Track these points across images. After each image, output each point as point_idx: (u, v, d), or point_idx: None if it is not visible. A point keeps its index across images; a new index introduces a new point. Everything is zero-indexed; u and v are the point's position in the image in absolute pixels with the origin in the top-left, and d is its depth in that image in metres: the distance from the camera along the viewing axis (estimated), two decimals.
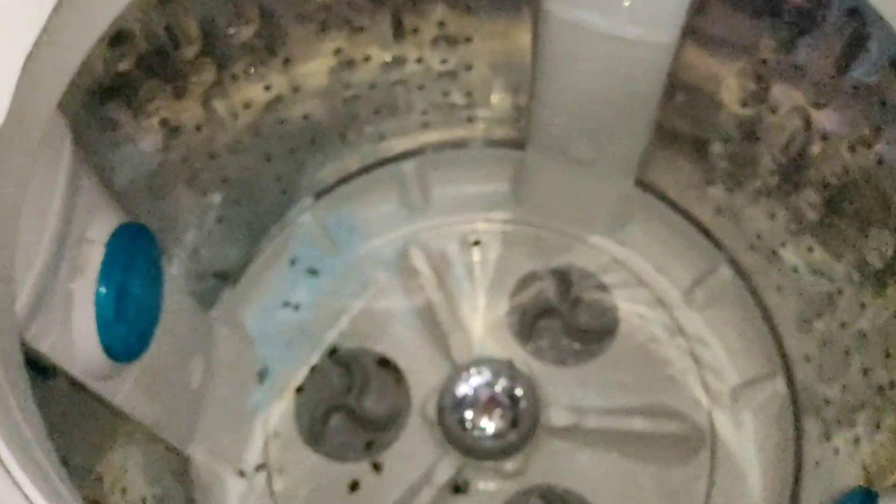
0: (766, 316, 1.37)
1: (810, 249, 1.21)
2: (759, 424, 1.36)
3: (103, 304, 0.93)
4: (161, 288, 1.07)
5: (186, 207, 1.24)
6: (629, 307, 1.47)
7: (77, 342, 0.91)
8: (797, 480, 1.25)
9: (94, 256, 0.93)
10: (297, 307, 1.48)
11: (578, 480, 1.32)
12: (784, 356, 1.34)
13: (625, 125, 1.31)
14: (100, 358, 0.95)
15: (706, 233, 1.44)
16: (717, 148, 1.31)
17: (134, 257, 0.98)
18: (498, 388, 1.31)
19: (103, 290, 0.93)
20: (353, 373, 1.40)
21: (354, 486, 1.32)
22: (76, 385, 0.92)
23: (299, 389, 1.40)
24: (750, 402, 1.37)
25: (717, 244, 1.44)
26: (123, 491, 1.10)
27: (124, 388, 1.03)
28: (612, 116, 1.29)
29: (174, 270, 1.23)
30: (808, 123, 1.13)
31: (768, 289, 1.36)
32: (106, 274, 0.94)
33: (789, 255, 1.24)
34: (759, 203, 1.27)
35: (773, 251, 1.29)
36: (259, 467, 1.34)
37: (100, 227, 0.95)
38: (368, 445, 1.34)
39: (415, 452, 1.32)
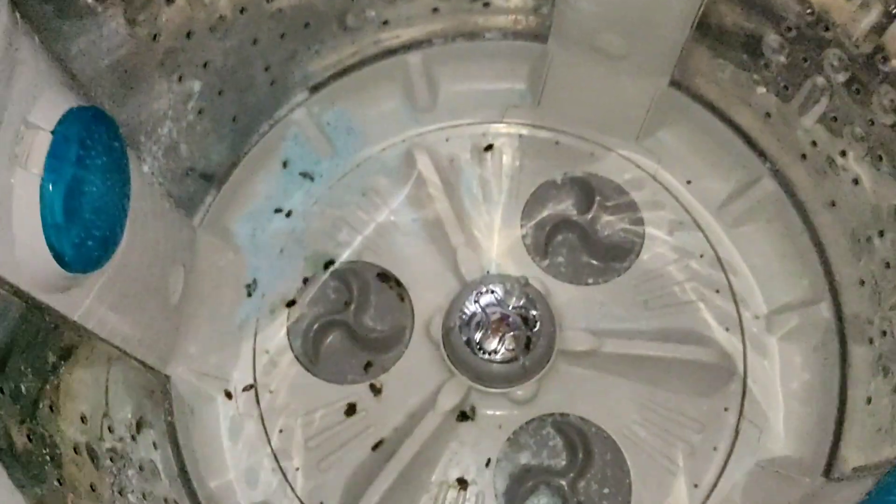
0: (813, 234, 1.23)
1: (879, 158, 1.04)
2: (798, 355, 1.24)
3: (50, 203, 0.78)
4: (126, 186, 0.92)
5: (159, 95, 1.08)
6: (656, 222, 1.35)
7: (20, 248, 0.76)
8: (841, 418, 1.13)
9: (39, 145, 0.77)
10: (289, 214, 1.35)
11: (595, 410, 1.23)
12: (831, 280, 1.20)
13: (663, 13, 1.15)
14: (49, 267, 0.80)
15: (749, 141, 1.28)
16: (772, 41, 1.13)
17: (89, 147, 0.83)
18: (510, 307, 1.20)
19: (50, 185, 0.78)
20: (350, 287, 1.30)
21: (351, 410, 1.24)
22: (26, 301, 0.78)
23: (291, 304, 1.30)
24: (788, 331, 1.25)
25: (761, 154, 1.28)
26: (105, 415, 0.99)
27: (84, 303, 0.89)
28: (648, 1, 1.12)
29: (147, 168, 1.07)
30: (889, 11, 0.95)
31: (819, 204, 1.21)
32: (53, 166, 0.78)
33: (850, 165, 1.08)
34: (820, 105, 1.10)
35: (831, 161, 1.13)
36: (247, 388, 1.25)
37: (46, 110, 0.79)
38: (367, 367, 1.26)
39: (417, 375, 1.24)
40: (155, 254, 1.04)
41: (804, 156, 1.20)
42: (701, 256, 1.32)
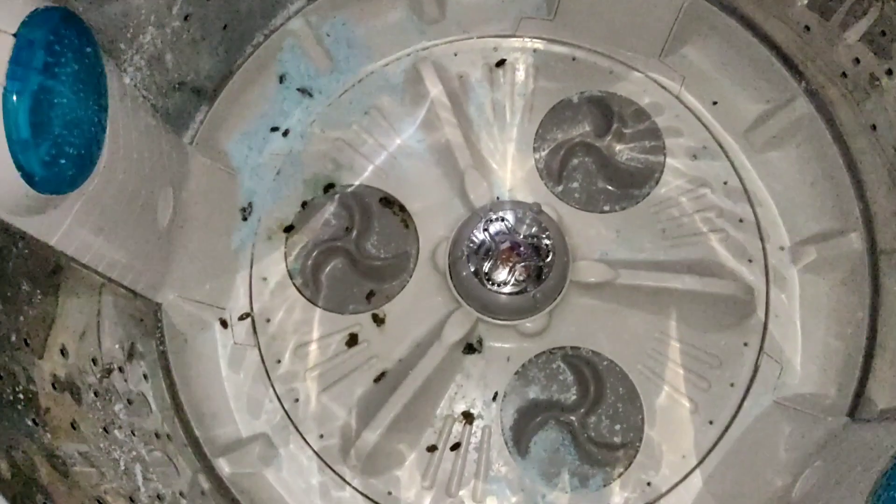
0: (849, 160, 1.15)
1: None
2: (824, 288, 1.18)
3: (14, 115, 0.69)
4: (102, 98, 0.83)
5: None
6: (677, 147, 1.26)
7: None
8: (869, 357, 1.07)
9: (0, 50, 0.68)
10: (286, 133, 1.27)
11: (608, 343, 1.19)
12: (865, 210, 1.12)
13: None
14: (17, 187, 0.72)
15: (783, 58, 1.19)
16: None
17: (57, 53, 0.73)
18: (521, 235, 1.14)
19: (14, 96, 0.69)
20: (352, 212, 1.23)
21: (353, 341, 1.19)
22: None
23: (289, 229, 1.24)
24: (815, 263, 1.18)
25: (795, 72, 1.19)
26: (89, 346, 0.93)
27: (62, 227, 0.82)
28: None
29: (128, 80, 0.98)
30: None
31: (856, 127, 1.12)
32: (17, 74, 0.70)
33: None
34: (866, 19, 1.00)
35: (874, 80, 1.03)
36: (243, 317, 1.20)
37: (7, 11, 0.70)
38: (369, 296, 1.21)
39: (422, 306, 1.19)
40: (140, 174, 0.96)
41: (844, 74, 1.11)
42: (725, 184, 1.24)
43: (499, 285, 1.12)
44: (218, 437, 1.15)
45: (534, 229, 1.14)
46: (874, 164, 1.10)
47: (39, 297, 0.83)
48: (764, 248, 1.21)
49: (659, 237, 1.22)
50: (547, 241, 1.13)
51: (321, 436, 1.15)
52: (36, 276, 0.83)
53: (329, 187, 1.24)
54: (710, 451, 1.13)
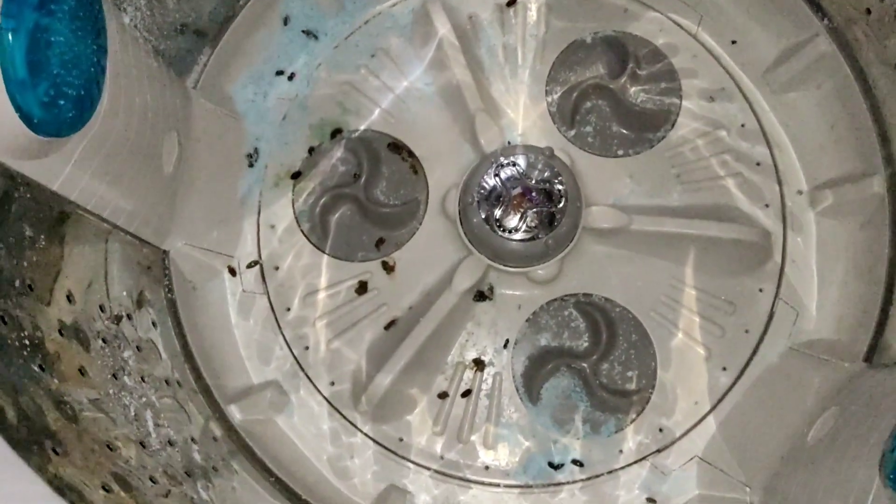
0: (871, 101, 1.11)
1: None
2: (842, 233, 1.15)
3: (11, 55, 0.67)
4: (100, 38, 0.80)
5: None
6: (694, 88, 1.23)
7: None
8: (888, 302, 1.05)
9: None
10: (291, 77, 1.23)
11: (621, 290, 1.17)
12: (888, 152, 1.09)
13: None
14: (17, 130, 0.70)
15: None
16: None
17: None
18: (533, 181, 1.12)
19: (9, 34, 0.67)
20: (360, 158, 1.21)
21: (362, 288, 1.19)
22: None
23: (296, 176, 1.22)
24: (833, 207, 1.15)
25: (817, 8, 1.15)
26: (96, 293, 0.92)
27: (64, 172, 0.80)
28: None
29: (128, 20, 0.95)
30: None
31: (880, 67, 1.08)
32: (12, 12, 0.67)
33: None
34: None
35: None
36: (252, 264, 1.19)
37: None
38: (379, 243, 1.20)
39: (432, 253, 1.18)
40: (143, 117, 0.94)
41: (868, 10, 1.06)
42: (742, 126, 1.21)
43: (510, 232, 1.11)
44: (228, 384, 1.15)
45: (546, 174, 1.11)
46: None
47: (44, 243, 0.81)
48: (781, 193, 1.18)
49: (674, 182, 1.20)
50: (559, 187, 1.11)
51: (332, 382, 1.15)
52: (40, 222, 0.81)
53: (336, 132, 1.22)
54: (723, 397, 1.12)
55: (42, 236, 0.81)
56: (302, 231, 1.20)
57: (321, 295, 1.18)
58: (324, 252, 1.19)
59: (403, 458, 1.14)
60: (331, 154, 1.21)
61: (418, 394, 1.14)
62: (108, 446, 0.79)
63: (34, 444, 0.66)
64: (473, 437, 1.14)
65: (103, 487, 0.72)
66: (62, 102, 0.74)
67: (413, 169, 1.21)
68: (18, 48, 0.68)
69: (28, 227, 0.79)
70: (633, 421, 1.13)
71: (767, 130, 1.21)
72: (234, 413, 1.12)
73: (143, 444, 0.87)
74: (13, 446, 0.60)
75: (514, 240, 1.11)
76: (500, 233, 1.11)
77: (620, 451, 1.13)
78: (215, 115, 1.16)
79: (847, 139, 1.16)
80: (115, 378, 0.87)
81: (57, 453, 0.69)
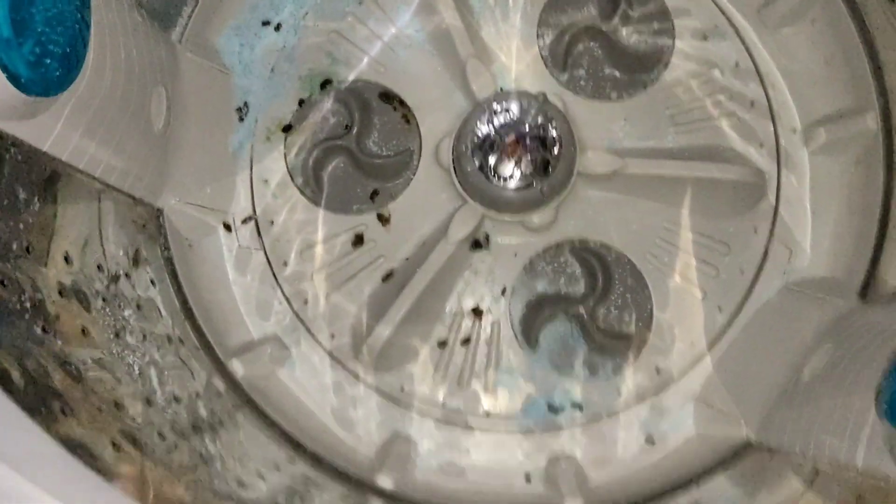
0: (866, 35, 1.10)
1: None
2: (835, 170, 1.15)
3: None
4: None
5: None
6: (687, 27, 1.21)
7: None
8: (882, 237, 1.06)
9: None
10: (278, 28, 1.22)
11: (617, 234, 1.18)
12: (881, 88, 1.09)
13: None
14: (3, 88, 0.69)
15: None
16: None
17: None
18: (526, 126, 1.12)
19: None
20: (351, 109, 1.20)
21: (358, 241, 1.19)
22: None
23: (287, 129, 1.21)
24: (827, 144, 1.15)
25: None
26: (93, 253, 0.93)
27: (54, 131, 0.79)
28: None
29: None
30: None
31: (875, 0, 1.06)
32: None
33: None
34: None
35: None
36: (247, 220, 1.20)
37: None
38: (373, 195, 1.20)
39: (427, 203, 1.18)
40: (130, 73, 0.92)
41: None
42: (736, 65, 1.20)
43: (505, 180, 1.10)
44: (229, 339, 1.16)
45: (539, 120, 1.11)
46: (893, 40, 1.05)
47: (38, 204, 0.81)
48: (776, 131, 1.18)
49: (668, 124, 1.19)
50: (553, 132, 1.10)
51: (332, 335, 1.16)
52: (32, 183, 0.81)
53: (326, 83, 1.21)
54: (719, 337, 1.14)
55: (36, 198, 0.81)
56: (295, 185, 1.19)
57: (318, 249, 1.18)
58: (318, 206, 1.19)
59: (406, 406, 1.15)
60: (321, 106, 1.20)
61: (418, 343, 1.16)
62: (115, 404, 0.80)
63: (42, 406, 0.67)
64: (474, 383, 1.15)
65: (113, 445, 0.74)
66: (48, 61, 0.73)
67: (405, 118, 1.20)
68: (2, 6, 0.66)
69: (21, 189, 0.78)
70: (631, 363, 1.15)
71: (761, 69, 1.20)
72: (237, 368, 1.13)
73: (149, 402, 0.88)
74: (21, 408, 0.61)
75: (509, 188, 1.11)
76: (494, 181, 1.10)
77: (619, 393, 1.15)
78: (202, 69, 1.14)
79: (841, 75, 1.15)
80: (118, 337, 0.87)
81: (65, 413, 0.70)
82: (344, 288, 1.17)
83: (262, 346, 1.14)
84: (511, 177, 1.11)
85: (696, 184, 1.14)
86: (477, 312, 1.17)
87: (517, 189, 1.11)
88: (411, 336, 1.15)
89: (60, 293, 0.81)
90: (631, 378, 1.15)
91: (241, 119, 1.20)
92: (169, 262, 1.12)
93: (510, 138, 1.11)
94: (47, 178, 0.84)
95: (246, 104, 1.20)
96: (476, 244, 1.18)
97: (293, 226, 1.19)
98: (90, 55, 0.81)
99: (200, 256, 1.16)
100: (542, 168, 1.10)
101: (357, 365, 1.15)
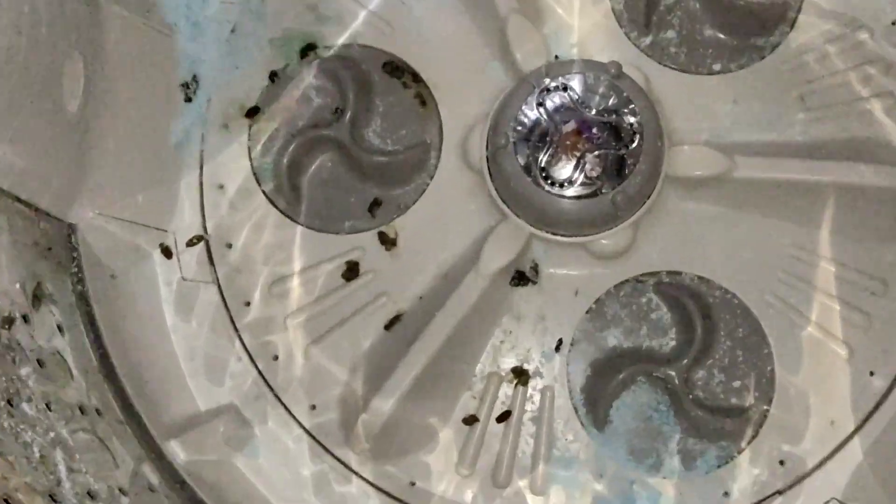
0: None
1: None
2: None
3: None
4: None
5: None
6: None
7: None
8: None
9: None
10: None
11: (722, 265, 1.19)
12: None
13: None
14: None
15: None
16: None
17: None
18: (593, 111, 1.13)
19: None
20: (343, 85, 1.22)
21: (352, 272, 1.21)
22: None
23: (253, 113, 1.24)
24: None
25: None
26: None
27: None
28: None
29: None
30: None
31: None
32: None
33: None
34: None
35: None
36: (194, 241, 1.22)
37: None
38: (373, 206, 1.23)
39: (450, 219, 1.22)
40: (34, 36, 0.95)
41: None
42: (893, 24, 1.21)
43: (561, 185, 1.12)
44: (167, 411, 1.17)
45: (611, 102, 1.13)
46: None
47: None
48: None
49: (796, 108, 1.22)
50: (631, 119, 1.12)
51: (313, 407, 1.17)
52: None
53: (308, 50, 1.24)
54: (871, 413, 1.14)
55: None
56: (263, 192, 1.22)
57: (293, 283, 1.20)
58: (296, 221, 1.21)
59: None
60: (301, 81, 1.23)
61: (436, 421, 1.17)
62: (5, 500, 0.80)
63: None
64: (517, 481, 1.15)
65: None
66: None
67: (419, 99, 1.23)
68: None
69: None
70: (742, 451, 1.15)
71: None
72: (177, 452, 1.14)
73: (52, 498, 0.87)
74: None
75: (568, 196, 1.12)
76: (546, 187, 1.12)
77: (726, 494, 1.15)
78: (134, 29, 1.18)
79: None
80: (11, 405, 0.88)
81: None
82: (330, 339, 1.18)
83: (212, 422, 1.15)
84: (570, 181, 1.12)
85: (836, 193, 1.16)
86: (520, 375, 1.18)
87: (579, 199, 1.12)
88: (426, 410, 1.15)
89: None
90: (742, 472, 1.14)
91: (188, 99, 1.22)
92: (83, 299, 1.13)
93: (570, 127, 1.13)
94: None
95: (195, 78, 1.22)
96: (520, 278, 1.19)
97: (260, 250, 1.20)
98: None
99: (128, 293, 1.18)
100: (615, 169, 1.12)
101: (348, 451, 1.15)
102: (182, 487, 1.13)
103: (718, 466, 1.15)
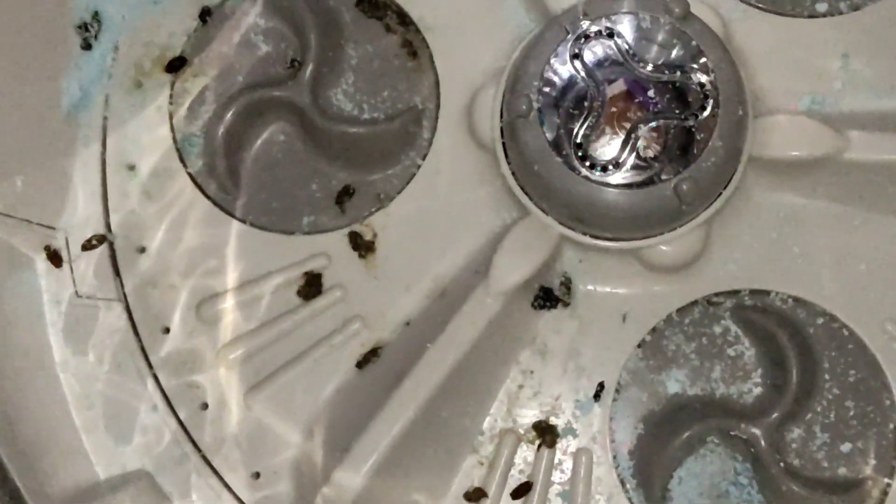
0: None
1: None
2: None
3: None
4: None
5: None
6: None
7: None
8: None
9: None
10: None
11: (827, 283, 1.14)
12: None
13: None
14: None
15: None
16: None
17: None
18: (647, 67, 1.08)
19: None
20: (301, 27, 1.19)
21: (312, 288, 1.16)
22: None
23: (176, 66, 1.21)
24: None
25: None
26: None
27: None
28: None
29: None
30: None
31: None
32: None
33: None
34: None
35: None
36: (93, 244, 1.16)
37: None
38: (342, 198, 1.19)
39: (447, 215, 1.18)
40: None
41: None
42: None
43: (605, 169, 1.07)
44: (54, 480, 1.11)
45: (675, 54, 1.08)
46: None
47: None
48: None
49: None
50: (701, 78, 1.07)
51: (255, 475, 1.12)
52: None
53: None
54: None
55: None
56: (190, 175, 1.19)
57: (229, 302, 1.16)
58: (234, 216, 1.18)
59: None
60: (242, 20, 1.20)
61: (427, 496, 1.13)
62: None
63: None
64: None
65: None
66: None
67: (408, 48, 1.21)
68: None
69: None
70: None
71: None
72: None
73: None
74: None
75: (614, 185, 1.06)
76: (584, 171, 1.06)
77: None
78: None
79: None
80: None
81: None
82: (280, 382, 1.14)
83: (116, 496, 1.09)
84: (617, 164, 1.07)
85: None
86: (546, 434, 1.13)
87: (629, 188, 1.07)
88: (413, 481, 1.12)
89: None
90: None
91: (87, 46, 1.19)
92: None
93: (616, 89, 1.08)
94: None
95: (96, 17, 1.20)
96: (546, 297, 1.15)
97: (183, 257, 1.17)
98: None
99: (0, 314, 1.13)
100: (680, 148, 1.06)
101: None
102: None
103: None
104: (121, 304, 1.16)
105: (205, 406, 1.13)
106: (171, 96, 1.20)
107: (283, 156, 1.20)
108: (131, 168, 1.18)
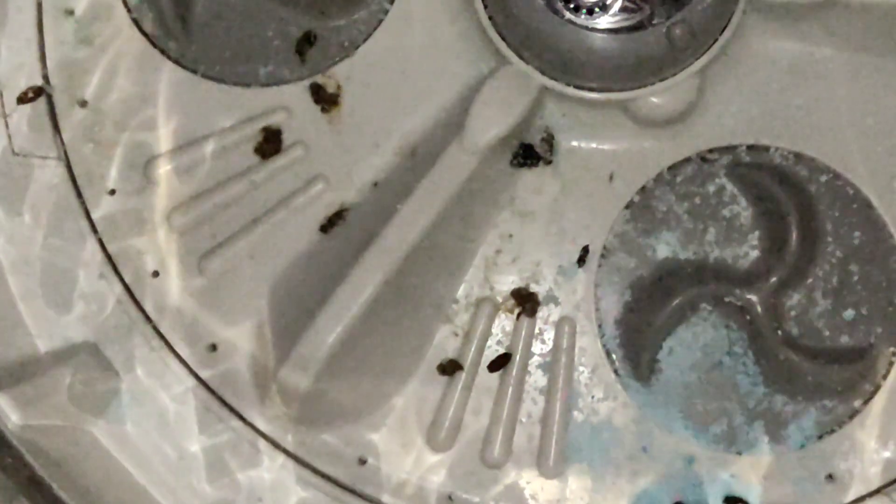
0: None
1: None
2: None
3: None
4: None
5: None
6: None
7: None
8: None
9: None
10: None
11: (831, 137, 1.09)
12: None
13: None
14: None
15: None
16: None
17: None
18: None
19: None
20: None
21: (270, 145, 1.10)
22: None
23: None
24: None
25: None
26: None
27: None
28: None
29: None
30: None
31: None
32: None
33: None
34: None
35: None
36: (30, 96, 1.10)
37: None
38: (303, 45, 1.13)
39: (418, 65, 1.13)
40: None
41: None
42: None
43: (590, 11, 1.05)
44: None
45: None
46: None
47: None
48: None
49: None
50: None
51: (212, 347, 1.08)
52: None
53: None
54: None
55: None
56: (134, 20, 1.13)
57: (181, 160, 1.12)
58: (183, 66, 1.13)
59: (368, 499, 1.08)
60: None
61: (396, 371, 1.10)
62: None
63: None
64: (519, 457, 1.08)
65: None
66: None
67: None
68: None
69: None
70: (857, 413, 1.06)
71: None
72: (5, 413, 1.04)
73: None
74: None
75: (601, 28, 1.05)
76: (568, 13, 1.04)
77: (830, 478, 1.06)
78: None
79: None
80: None
81: None
82: (237, 247, 1.11)
83: (57, 369, 1.05)
84: (604, 5, 1.05)
85: None
86: (526, 301, 1.10)
87: (617, 32, 1.05)
88: (382, 354, 1.09)
89: None
90: (859, 446, 1.06)
91: None
92: None
93: None
94: None
95: None
96: (527, 154, 1.11)
97: (128, 110, 1.12)
98: None
99: None
100: None
101: (257, 416, 1.08)
102: (17, 465, 1.04)
103: (820, 437, 1.06)
104: (59, 162, 1.12)
105: (155, 274, 1.09)
106: None
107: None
108: (70, 13, 1.13)
